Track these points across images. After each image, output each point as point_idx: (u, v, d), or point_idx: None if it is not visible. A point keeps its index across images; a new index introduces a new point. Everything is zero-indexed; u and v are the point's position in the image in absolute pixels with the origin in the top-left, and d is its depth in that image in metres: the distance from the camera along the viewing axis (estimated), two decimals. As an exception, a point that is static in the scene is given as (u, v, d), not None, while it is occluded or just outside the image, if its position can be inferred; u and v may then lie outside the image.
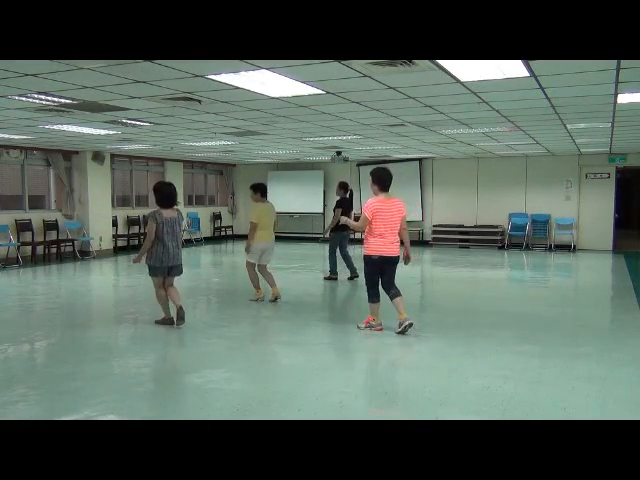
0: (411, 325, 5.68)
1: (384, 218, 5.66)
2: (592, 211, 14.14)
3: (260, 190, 7.51)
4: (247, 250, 7.45)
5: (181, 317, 6.00)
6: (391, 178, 5.83)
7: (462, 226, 15.23)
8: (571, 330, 6.14)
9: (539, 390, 4.18)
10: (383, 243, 5.67)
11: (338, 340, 5.92)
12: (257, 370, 4.84)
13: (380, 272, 5.78)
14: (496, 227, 14.83)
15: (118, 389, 4.23)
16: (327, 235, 9.63)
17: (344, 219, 6.60)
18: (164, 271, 6.03)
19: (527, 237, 14.52)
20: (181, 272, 6.25)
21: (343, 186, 9.51)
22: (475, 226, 15.14)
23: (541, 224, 14.52)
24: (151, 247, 5.92)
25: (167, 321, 6.16)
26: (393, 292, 5.80)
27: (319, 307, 7.73)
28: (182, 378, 4.58)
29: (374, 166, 6.28)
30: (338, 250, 9.40)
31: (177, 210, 6.10)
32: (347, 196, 9.56)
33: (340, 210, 9.11)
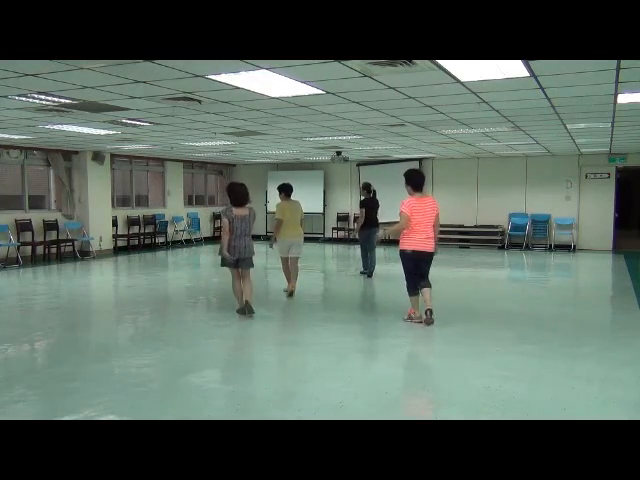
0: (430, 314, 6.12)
1: (419, 214, 6.05)
2: (592, 211, 14.14)
3: (283, 190, 7.97)
4: (271, 245, 8.08)
5: (249, 310, 6.51)
6: (423, 178, 6.35)
7: (462, 226, 15.22)
8: (571, 330, 6.14)
9: (539, 390, 4.18)
10: (418, 238, 6.07)
11: (338, 340, 5.92)
12: (257, 370, 4.84)
13: (415, 266, 6.17)
14: (496, 227, 14.83)
15: (118, 389, 4.23)
16: (356, 235, 9.93)
17: (388, 232, 6.82)
18: (234, 262, 6.49)
19: (527, 237, 14.52)
20: (251, 265, 6.68)
21: (366, 187, 9.86)
22: (475, 226, 15.14)
23: (541, 224, 14.52)
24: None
25: (240, 310, 6.60)
26: (422, 283, 6.22)
27: (320, 307, 7.73)
28: (182, 378, 4.58)
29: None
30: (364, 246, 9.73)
31: (250, 208, 6.59)
32: (371, 196, 9.81)
33: (364, 210, 9.50)
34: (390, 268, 10.71)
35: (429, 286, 6.21)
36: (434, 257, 6.31)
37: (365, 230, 9.48)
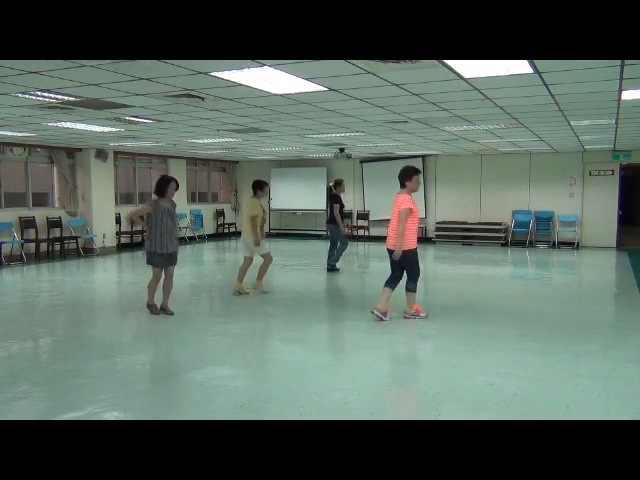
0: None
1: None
2: (596, 208, 14.10)
3: (261, 187, 7.94)
4: (257, 244, 7.85)
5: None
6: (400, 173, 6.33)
7: (465, 223, 15.21)
8: (574, 327, 6.13)
9: (542, 388, 4.17)
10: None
11: (341, 337, 5.93)
12: (260, 367, 4.85)
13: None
14: (499, 224, 14.80)
15: (122, 386, 4.25)
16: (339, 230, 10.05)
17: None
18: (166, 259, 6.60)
19: (530, 234, 14.50)
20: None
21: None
22: (478, 223, 15.11)
23: (544, 221, 14.50)
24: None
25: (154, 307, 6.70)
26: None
27: (323, 304, 7.73)
28: (186, 375, 4.60)
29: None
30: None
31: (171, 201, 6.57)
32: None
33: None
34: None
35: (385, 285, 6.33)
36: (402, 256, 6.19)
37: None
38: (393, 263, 6.24)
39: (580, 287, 9.71)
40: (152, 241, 6.33)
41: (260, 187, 7.85)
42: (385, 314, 6.19)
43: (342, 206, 9.95)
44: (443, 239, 15.19)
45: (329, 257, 9.95)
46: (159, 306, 6.62)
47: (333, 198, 9.98)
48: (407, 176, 6.19)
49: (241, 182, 18.26)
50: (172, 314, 6.57)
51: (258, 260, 7.85)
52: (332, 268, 9.91)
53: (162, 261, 6.43)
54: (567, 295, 8.42)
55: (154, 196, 6.50)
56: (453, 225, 15.27)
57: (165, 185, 6.41)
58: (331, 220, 9.89)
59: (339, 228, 9.77)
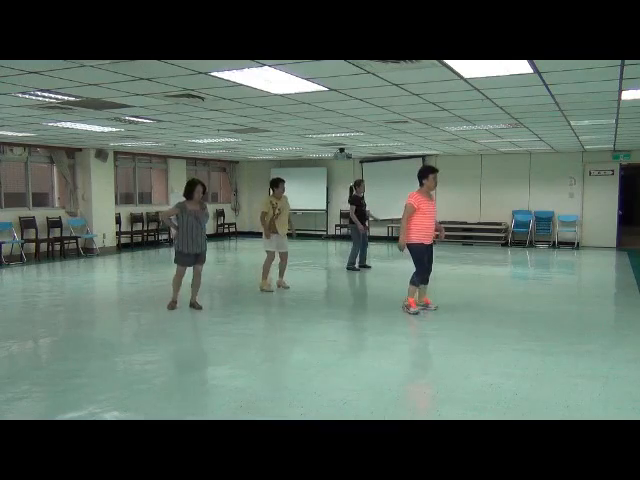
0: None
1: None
2: (596, 208, 14.10)
3: (277, 185, 8.14)
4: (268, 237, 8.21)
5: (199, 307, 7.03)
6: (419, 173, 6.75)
7: (465, 223, 15.20)
8: (574, 327, 6.13)
9: (542, 387, 4.17)
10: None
11: (342, 337, 5.92)
12: (261, 367, 4.85)
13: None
14: (499, 224, 14.81)
15: (122, 386, 4.24)
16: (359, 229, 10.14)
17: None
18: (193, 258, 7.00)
19: (530, 234, 14.50)
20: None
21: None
22: (478, 223, 15.11)
23: (544, 221, 14.50)
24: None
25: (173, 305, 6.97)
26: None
27: (323, 304, 7.73)
28: (186, 375, 4.60)
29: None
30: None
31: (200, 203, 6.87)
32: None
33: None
34: (390, 264, 10.72)
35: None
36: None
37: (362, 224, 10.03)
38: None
39: (580, 287, 9.70)
40: (179, 241, 6.75)
41: (276, 185, 8.12)
42: (427, 306, 6.73)
43: (361, 206, 10.01)
44: (443, 239, 15.14)
45: (360, 257, 10.08)
46: (189, 302, 6.95)
47: (352, 199, 10.04)
48: (424, 175, 6.60)
49: (241, 182, 18.25)
50: (200, 309, 6.89)
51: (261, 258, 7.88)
52: (362, 266, 10.08)
53: (187, 260, 6.81)
54: (567, 295, 8.41)
55: (183, 199, 6.81)
56: (453, 225, 15.25)
57: (192, 188, 6.73)
58: (352, 221, 10.03)
59: (357, 228, 9.86)
